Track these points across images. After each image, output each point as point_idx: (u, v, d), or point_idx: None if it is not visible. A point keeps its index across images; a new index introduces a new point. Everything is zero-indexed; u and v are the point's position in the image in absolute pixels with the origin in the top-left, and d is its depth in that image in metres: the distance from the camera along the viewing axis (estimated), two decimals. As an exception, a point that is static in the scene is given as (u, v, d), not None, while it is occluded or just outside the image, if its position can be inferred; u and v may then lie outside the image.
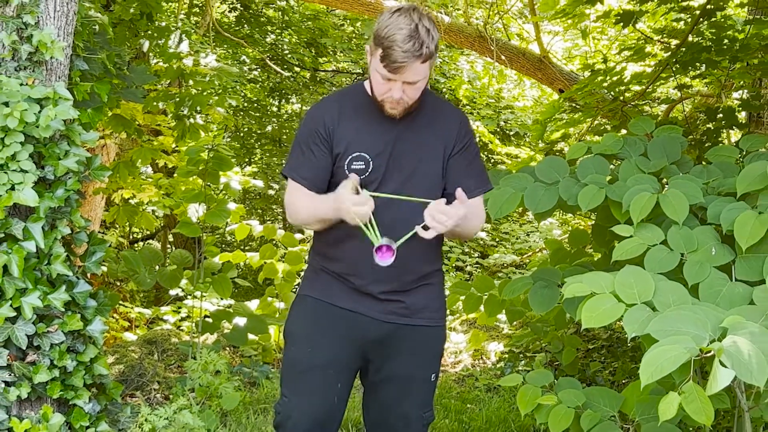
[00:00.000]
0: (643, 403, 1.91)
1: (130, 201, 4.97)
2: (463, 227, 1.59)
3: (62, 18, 1.95)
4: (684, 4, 3.44)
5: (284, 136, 8.06)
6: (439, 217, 1.50)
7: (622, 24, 3.43)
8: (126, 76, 2.64)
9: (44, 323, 1.90)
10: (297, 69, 7.68)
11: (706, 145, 3.22)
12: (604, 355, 3.90)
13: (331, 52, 7.55)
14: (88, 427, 1.97)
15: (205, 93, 3.98)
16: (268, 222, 7.82)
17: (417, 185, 1.62)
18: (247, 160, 8.29)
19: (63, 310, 1.91)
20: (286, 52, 7.53)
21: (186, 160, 3.36)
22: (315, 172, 1.63)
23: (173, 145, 4.42)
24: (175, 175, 4.52)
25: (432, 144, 1.65)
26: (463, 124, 1.70)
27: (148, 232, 7.36)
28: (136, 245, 7.01)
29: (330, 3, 5.46)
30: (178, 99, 3.60)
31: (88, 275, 2.07)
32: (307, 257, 1.85)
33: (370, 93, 1.63)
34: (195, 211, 3.66)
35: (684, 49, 3.36)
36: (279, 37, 7.48)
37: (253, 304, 4.26)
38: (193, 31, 5.27)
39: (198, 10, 6.57)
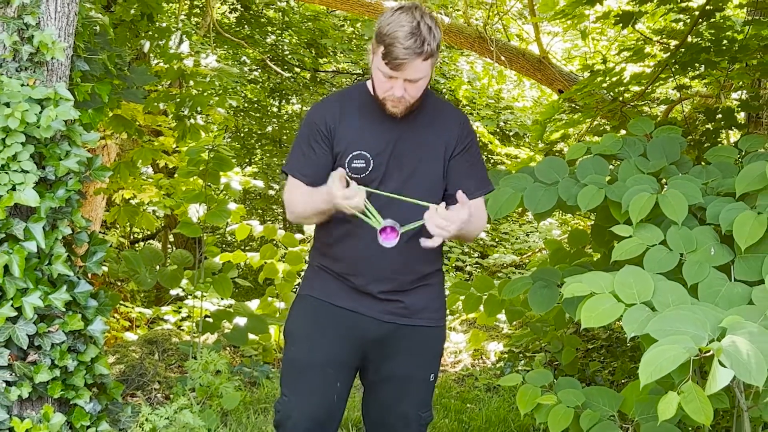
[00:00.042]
0: (642, 402, 1.92)
1: (131, 201, 4.98)
2: (467, 230, 1.60)
3: (63, 19, 1.96)
4: (683, 5, 3.45)
5: (284, 137, 8.06)
6: (441, 223, 1.49)
7: (621, 25, 3.44)
8: (127, 76, 2.65)
9: (45, 323, 1.90)
10: (297, 70, 7.69)
11: (706, 145, 3.22)
12: (603, 355, 3.90)
13: (331, 53, 7.56)
14: (89, 427, 1.98)
15: (205, 93, 3.99)
16: (269, 222, 7.83)
17: (417, 185, 1.62)
18: (247, 160, 8.30)
19: (64, 310, 1.91)
20: (287, 52, 7.53)
21: (186, 160, 3.37)
22: (315, 170, 1.63)
23: (174, 146, 4.42)
24: (175, 175, 4.52)
25: (433, 144, 1.65)
26: (465, 125, 1.70)
27: (149, 233, 7.36)
28: (136, 245, 7.01)
29: (330, 4, 5.46)
30: (178, 99, 3.60)
31: (89, 275, 2.07)
32: (307, 257, 1.86)
33: (372, 92, 1.64)
34: (195, 211, 3.67)
35: (683, 49, 3.36)
36: (279, 38, 7.49)
37: (254, 304, 4.27)
38: (193, 31, 5.27)
39: (198, 11, 6.58)
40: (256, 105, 8.02)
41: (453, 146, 1.67)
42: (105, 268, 3.46)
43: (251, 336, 3.76)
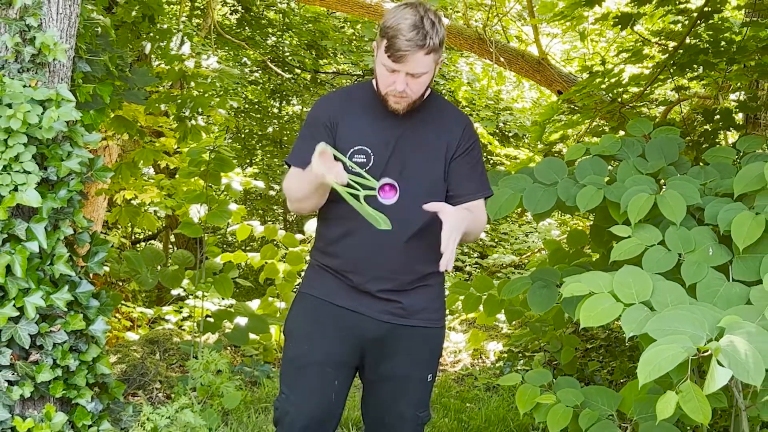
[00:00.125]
0: (641, 402, 1.92)
1: (132, 202, 4.99)
2: (467, 233, 1.61)
3: (65, 20, 1.96)
4: (681, 6, 3.46)
5: (285, 138, 8.08)
6: (446, 254, 1.48)
7: (620, 26, 3.44)
8: (128, 77, 2.66)
9: (47, 323, 1.91)
10: (298, 71, 7.70)
11: (704, 146, 3.23)
12: (602, 355, 3.91)
13: (331, 54, 7.57)
14: (90, 426, 1.98)
15: (206, 95, 4.00)
16: (269, 222, 7.83)
17: (417, 184, 1.63)
18: (248, 161, 8.31)
19: (66, 309, 1.92)
20: (287, 54, 7.54)
21: (187, 161, 3.38)
22: None
23: (175, 147, 4.43)
24: (176, 176, 4.54)
25: (434, 145, 1.66)
26: (468, 127, 1.71)
27: (150, 233, 7.37)
28: (138, 245, 7.03)
29: (330, 5, 5.48)
30: (179, 101, 3.61)
31: (91, 275, 2.08)
32: (308, 257, 1.86)
33: (376, 90, 1.65)
34: (197, 211, 3.68)
35: (681, 51, 3.37)
36: (280, 40, 7.50)
37: (254, 304, 4.28)
38: (194, 33, 5.28)
39: (200, 13, 6.59)
40: (256, 106, 8.03)
41: (454, 148, 1.67)
42: (106, 268, 3.47)
43: (252, 336, 3.77)
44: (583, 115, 3.99)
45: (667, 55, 3.57)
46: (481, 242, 7.41)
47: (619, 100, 3.64)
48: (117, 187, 4.52)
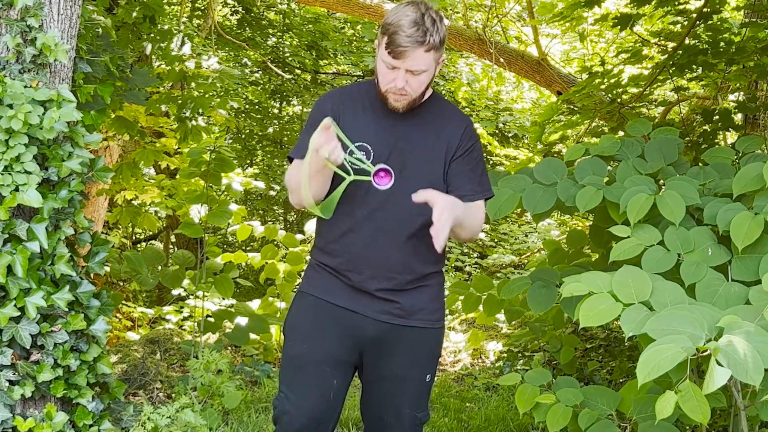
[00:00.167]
0: (640, 401, 1.93)
1: (133, 202, 5.00)
2: (461, 227, 1.61)
3: (66, 21, 1.97)
4: (681, 7, 3.47)
5: (285, 138, 8.08)
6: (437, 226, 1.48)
7: (619, 27, 3.45)
8: (129, 78, 2.66)
9: (48, 323, 1.91)
10: (298, 71, 7.71)
11: (703, 146, 3.24)
12: (601, 355, 3.92)
13: (331, 55, 7.57)
14: (91, 426, 1.99)
15: (207, 95, 4.00)
16: (270, 223, 7.83)
17: (416, 183, 1.63)
18: (248, 161, 8.32)
19: (66, 309, 1.92)
20: (287, 54, 7.55)
21: (188, 161, 3.39)
22: None
23: (175, 147, 4.44)
24: (177, 176, 4.54)
25: (434, 145, 1.66)
26: (468, 128, 1.71)
27: (151, 233, 7.38)
28: (138, 246, 7.04)
29: (330, 6, 5.48)
30: (180, 101, 3.62)
31: (92, 275, 2.08)
32: (308, 257, 1.87)
33: (377, 88, 1.65)
34: (197, 212, 3.68)
35: (681, 51, 3.38)
36: (280, 40, 7.51)
37: (255, 304, 4.28)
38: (195, 34, 5.30)
39: (200, 14, 6.60)
40: (257, 106, 8.04)
41: (454, 148, 1.67)
42: (107, 269, 3.47)
43: (252, 335, 3.77)
44: (583, 116, 4.00)
45: (666, 55, 3.58)
46: (480, 242, 7.41)
47: (619, 100, 3.65)
48: (118, 187, 4.53)
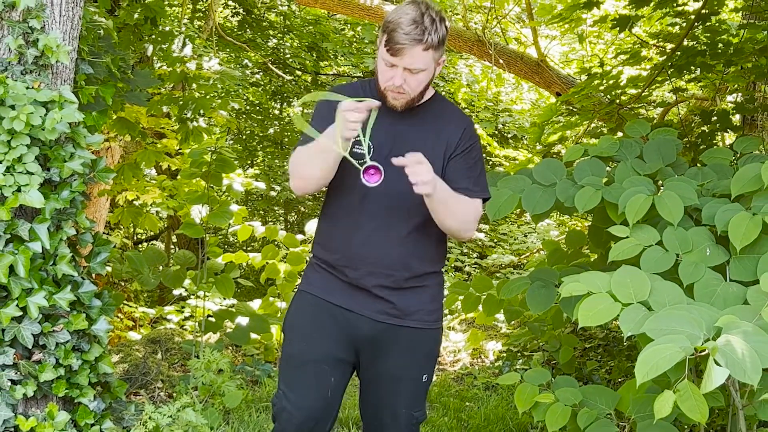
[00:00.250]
0: (638, 401, 1.93)
1: (135, 202, 5.01)
2: (447, 209, 1.59)
3: (67, 22, 1.98)
4: (679, 9, 3.48)
5: (286, 139, 8.10)
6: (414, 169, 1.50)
7: (618, 28, 3.46)
8: (130, 79, 2.67)
9: (50, 323, 1.92)
10: (298, 73, 7.72)
11: (701, 147, 3.25)
12: (600, 354, 3.93)
13: (332, 56, 7.58)
14: (92, 425, 1.99)
15: (208, 96, 4.02)
16: (270, 223, 7.85)
17: None
18: (249, 162, 8.33)
19: (68, 309, 1.93)
20: (288, 56, 7.56)
21: (189, 162, 3.39)
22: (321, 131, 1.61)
23: (177, 148, 4.45)
24: (178, 177, 4.56)
25: (434, 144, 1.67)
26: (469, 129, 1.72)
27: (152, 233, 7.39)
28: (140, 246, 7.05)
29: (331, 8, 5.50)
30: (181, 102, 3.63)
31: (93, 275, 2.09)
32: (308, 257, 1.87)
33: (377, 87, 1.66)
34: (198, 212, 3.69)
35: (679, 53, 3.39)
36: (281, 42, 7.52)
37: (255, 304, 4.29)
38: (196, 35, 5.32)
39: (201, 15, 6.62)
40: (257, 107, 8.05)
41: (453, 147, 1.68)
42: (109, 269, 3.49)
43: (253, 335, 3.78)
44: (582, 117, 4.01)
45: (664, 57, 3.58)
46: (480, 242, 7.42)
47: (617, 101, 3.66)
48: (119, 188, 4.54)
